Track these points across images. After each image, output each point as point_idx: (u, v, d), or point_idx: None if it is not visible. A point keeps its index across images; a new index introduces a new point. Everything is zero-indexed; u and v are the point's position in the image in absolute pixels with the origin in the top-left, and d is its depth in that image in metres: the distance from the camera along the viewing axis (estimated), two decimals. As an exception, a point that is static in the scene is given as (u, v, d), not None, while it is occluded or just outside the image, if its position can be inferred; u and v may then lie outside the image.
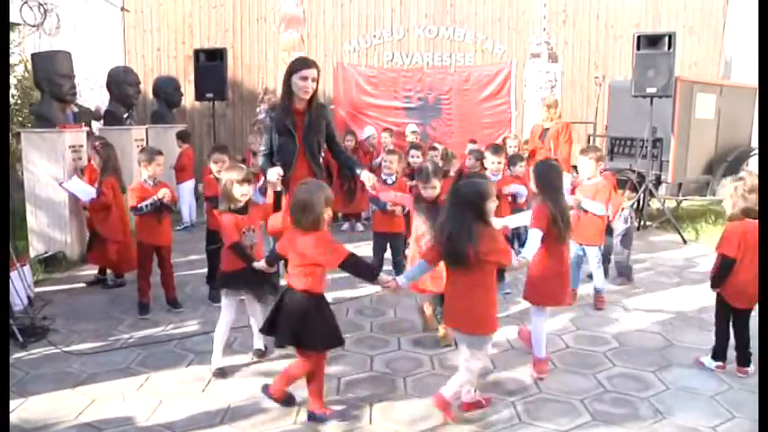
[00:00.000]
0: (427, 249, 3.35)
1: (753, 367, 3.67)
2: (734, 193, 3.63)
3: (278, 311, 3.13)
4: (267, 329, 3.22)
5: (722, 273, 3.64)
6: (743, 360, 3.71)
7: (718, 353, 3.79)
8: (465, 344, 3.11)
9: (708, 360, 3.83)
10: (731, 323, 3.75)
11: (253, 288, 3.78)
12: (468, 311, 3.03)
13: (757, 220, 3.47)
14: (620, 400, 3.40)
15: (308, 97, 4.14)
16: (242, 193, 3.73)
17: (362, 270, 3.16)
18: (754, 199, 3.52)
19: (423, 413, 3.23)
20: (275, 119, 4.23)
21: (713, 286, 3.76)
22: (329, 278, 4.64)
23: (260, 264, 3.57)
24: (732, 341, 3.77)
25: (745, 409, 3.26)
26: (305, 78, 4.07)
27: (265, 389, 3.28)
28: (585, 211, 4.87)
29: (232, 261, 3.70)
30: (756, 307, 3.52)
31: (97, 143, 5.70)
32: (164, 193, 4.74)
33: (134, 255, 5.03)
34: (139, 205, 4.70)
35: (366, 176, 4.17)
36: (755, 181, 3.56)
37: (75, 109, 7.43)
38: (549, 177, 3.72)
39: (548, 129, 7.04)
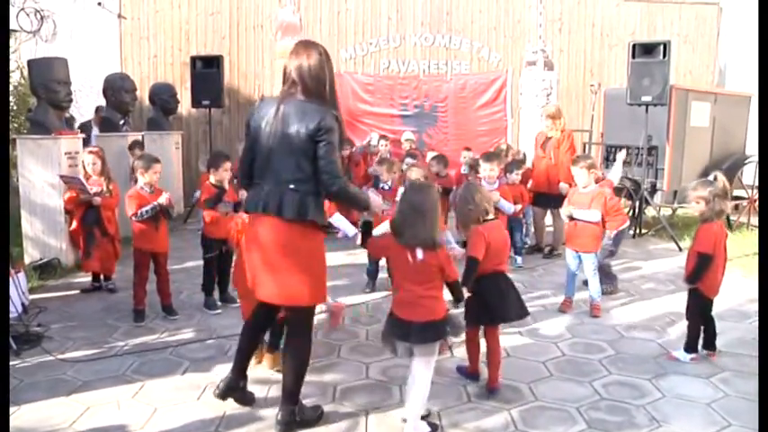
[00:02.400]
0: None
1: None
2: (707, 196, 3.90)
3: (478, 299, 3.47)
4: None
5: (700, 270, 3.93)
6: (713, 345, 4.09)
7: (693, 345, 4.06)
8: None
9: (681, 354, 4.06)
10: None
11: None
12: None
13: (721, 221, 3.95)
14: (615, 407, 3.40)
15: None
16: None
17: None
18: (723, 202, 3.90)
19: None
20: (341, 129, 2.98)
21: (691, 282, 4.01)
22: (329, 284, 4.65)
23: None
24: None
25: (742, 417, 3.26)
26: None
27: (489, 391, 3.53)
28: (574, 219, 4.94)
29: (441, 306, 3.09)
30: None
31: (96, 148, 5.74)
32: (165, 198, 4.76)
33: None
34: (139, 211, 4.70)
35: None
36: (725, 185, 3.93)
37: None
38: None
39: (550, 137, 7.02)
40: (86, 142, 7.47)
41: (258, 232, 2.96)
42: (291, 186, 2.87)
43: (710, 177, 4.04)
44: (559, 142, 6.93)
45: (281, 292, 2.96)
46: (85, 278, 5.74)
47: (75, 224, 5.62)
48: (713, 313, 4.06)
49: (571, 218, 4.98)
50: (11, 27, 9.45)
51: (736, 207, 8.82)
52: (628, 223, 5.80)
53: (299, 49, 2.99)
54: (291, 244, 2.90)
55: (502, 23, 11.38)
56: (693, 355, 4.04)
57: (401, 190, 3.10)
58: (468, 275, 3.42)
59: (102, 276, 5.63)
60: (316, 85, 2.91)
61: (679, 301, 5.34)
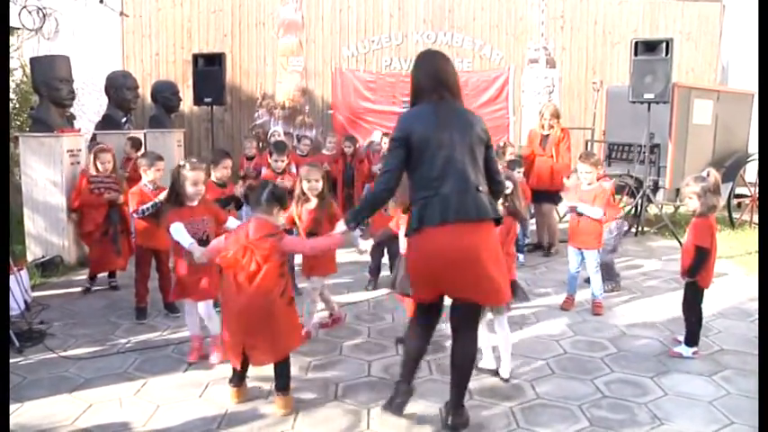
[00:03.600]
0: None
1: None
2: (700, 192, 3.98)
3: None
4: None
5: (700, 262, 4.00)
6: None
7: (694, 338, 4.08)
8: None
9: (684, 348, 4.07)
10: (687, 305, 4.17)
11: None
12: None
13: (714, 215, 4.04)
14: (618, 405, 3.40)
15: None
16: None
17: None
18: (715, 197, 4.00)
19: (420, 418, 3.22)
20: None
21: (691, 275, 4.05)
22: (329, 283, 4.67)
23: None
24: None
25: (744, 415, 3.26)
26: None
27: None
28: (580, 215, 4.93)
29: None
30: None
31: (110, 146, 5.77)
32: (164, 195, 4.75)
33: None
34: (140, 208, 4.71)
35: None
36: (717, 180, 4.03)
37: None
38: None
39: (547, 135, 7.04)
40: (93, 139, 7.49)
41: (453, 241, 2.83)
42: (480, 188, 2.92)
43: (703, 173, 4.10)
44: (560, 140, 6.96)
45: (490, 291, 2.95)
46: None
47: (88, 225, 5.55)
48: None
49: (576, 212, 4.98)
50: (13, 25, 9.47)
51: (739, 205, 8.81)
52: (622, 214, 5.80)
53: (429, 56, 3.18)
54: (495, 242, 3.00)
55: (504, 21, 11.36)
56: (695, 349, 4.06)
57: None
58: None
59: (97, 277, 5.63)
60: (454, 89, 3.05)
61: (681, 299, 5.35)
